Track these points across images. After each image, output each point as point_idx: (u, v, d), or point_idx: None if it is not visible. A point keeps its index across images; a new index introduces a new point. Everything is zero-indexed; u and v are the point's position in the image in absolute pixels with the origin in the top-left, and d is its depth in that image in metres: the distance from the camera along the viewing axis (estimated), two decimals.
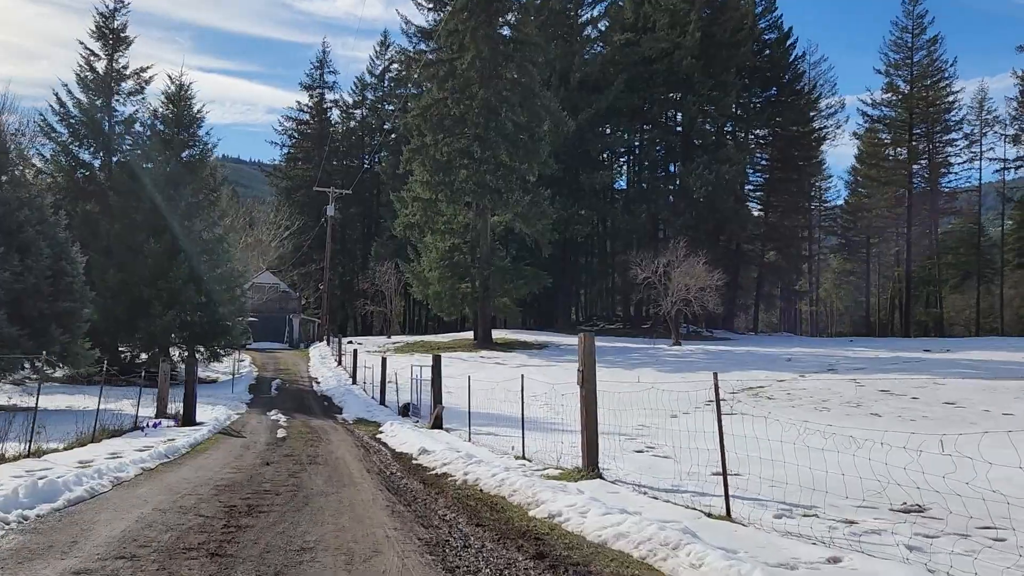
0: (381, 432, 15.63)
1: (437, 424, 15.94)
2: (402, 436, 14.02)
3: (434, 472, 9.38)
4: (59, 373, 30.02)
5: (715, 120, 56.00)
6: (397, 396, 22.17)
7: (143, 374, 32.22)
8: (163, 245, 30.28)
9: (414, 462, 10.61)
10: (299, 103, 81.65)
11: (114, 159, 34.56)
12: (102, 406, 22.24)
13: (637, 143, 61.67)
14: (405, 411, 20.61)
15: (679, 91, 55.52)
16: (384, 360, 24.30)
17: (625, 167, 63.16)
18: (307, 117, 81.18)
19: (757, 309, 72.82)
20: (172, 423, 16.43)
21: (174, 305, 29.97)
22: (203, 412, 18.51)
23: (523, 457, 10.54)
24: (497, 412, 17.35)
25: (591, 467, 8.17)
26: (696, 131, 52.97)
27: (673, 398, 15.66)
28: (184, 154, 33.08)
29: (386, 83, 79.15)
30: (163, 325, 29.12)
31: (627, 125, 56.96)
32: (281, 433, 15.22)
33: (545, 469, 9.04)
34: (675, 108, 59.52)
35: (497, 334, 45.86)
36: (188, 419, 16.40)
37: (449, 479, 8.77)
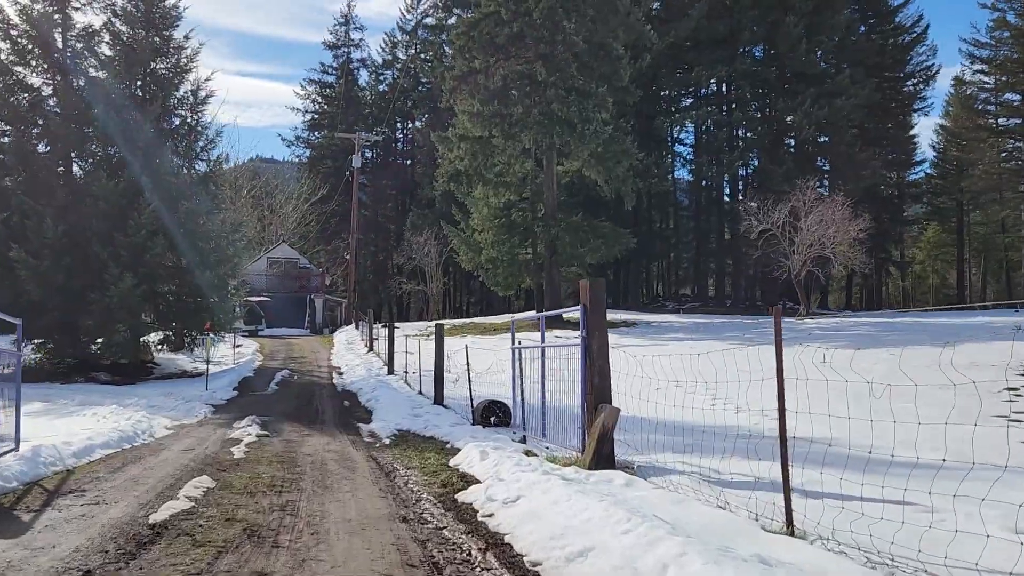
0: (459, 474, 6.53)
1: (602, 458, 6.53)
2: (536, 505, 4.86)
3: None
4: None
5: (819, 47, 46.07)
6: (470, 391, 12.97)
7: (109, 363, 23.85)
8: (121, 184, 21.43)
9: None
10: (323, 64, 72.73)
11: (71, 81, 25.82)
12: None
13: (720, 80, 51.72)
14: (486, 417, 11.44)
15: (773, 15, 45.72)
16: (440, 329, 15.08)
17: (707, 109, 52.87)
18: (331, 79, 72.14)
19: (850, 281, 63.01)
20: None
21: (137, 267, 21.13)
22: (91, 423, 9.53)
23: None
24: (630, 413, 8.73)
25: None
26: (798, 60, 43.11)
27: (926, 391, 6.22)
28: (153, 64, 24.25)
29: (420, 34, 69.71)
30: (121, 294, 20.21)
31: (709, 59, 47.29)
32: (179, 503, 5.57)
33: None
34: (764, 42, 49.55)
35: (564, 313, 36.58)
36: None
37: None
